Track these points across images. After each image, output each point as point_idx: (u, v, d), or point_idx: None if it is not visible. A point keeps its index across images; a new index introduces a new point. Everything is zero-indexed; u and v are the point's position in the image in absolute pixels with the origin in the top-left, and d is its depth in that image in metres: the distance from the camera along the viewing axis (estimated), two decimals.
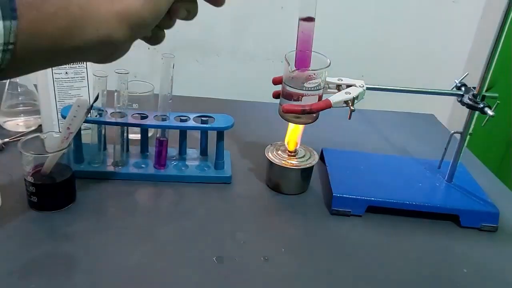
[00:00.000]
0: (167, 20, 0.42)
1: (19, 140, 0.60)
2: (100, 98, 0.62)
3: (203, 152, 0.70)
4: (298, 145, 0.67)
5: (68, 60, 0.40)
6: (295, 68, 0.57)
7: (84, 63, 0.67)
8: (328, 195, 0.65)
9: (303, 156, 0.67)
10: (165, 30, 0.44)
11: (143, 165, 0.67)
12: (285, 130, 0.66)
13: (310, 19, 0.55)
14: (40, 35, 0.34)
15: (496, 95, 0.61)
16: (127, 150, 0.69)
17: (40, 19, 0.33)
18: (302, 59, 0.57)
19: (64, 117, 0.58)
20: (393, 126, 0.95)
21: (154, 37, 0.44)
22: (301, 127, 0.65)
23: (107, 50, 0.39)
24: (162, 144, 0.66)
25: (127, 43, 0.40)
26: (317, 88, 0.58)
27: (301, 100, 0.58)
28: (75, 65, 0.66)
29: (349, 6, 1.13)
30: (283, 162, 0.65)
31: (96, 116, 0.63)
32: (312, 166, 0.66)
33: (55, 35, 0.34)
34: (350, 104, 0.59)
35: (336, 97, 0.59)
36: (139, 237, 0.55)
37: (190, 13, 0.44)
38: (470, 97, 0.61)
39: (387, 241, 0.59)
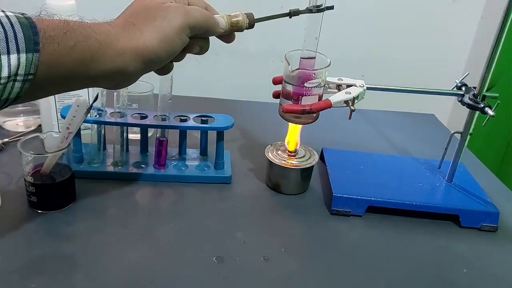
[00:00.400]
0: (180, 54, 0.44)
1: (18, 140, 0.60)
2: (100, 98, 0.62)
3: (203, 152, 0.70)
4: (298, 145, 0.67)
5: (81, 87, 0.42)
6: (295, 68, 0.57)
7: None
8: (328, 195, 0.65)
9: (303, 156, 0.67)
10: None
11: (143, 165, 0.67)
12: (285, 130, 0.66)
13: (310, 57, 0.58)
14: (59, 66, 0.35)
15: (497, 95, 0.61)
16: (127, 150, 0.69)
17: (60, 52, 0.35)
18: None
19: (63, 117, 0.58)
20: (393, 126, 0.95)
21: (164, 68, 0.46)
22: (300, 127, 0.65)
23: (119, 80, 0.41)
24: (162, 144, 0.66)
25: (138, 74, 0.42)
26: (317, 88, 0.58)
27: (301, 100, 0.58)
28: None
29: (349, 5, 1.13)
30: (283, 162, 0.65)
31: (95, 116, 0.63)
32: (312, 166, 0.66)
33: (72, 66, 0.36)
34: (350, 104, 0.59)
35: (336, 97, 0.59)
36: (139, 237, 0.55)
37: (202, 49, 0.47)
38: (470, 97, 0.61)
39: (387, 241, 0.59)
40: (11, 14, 0.33)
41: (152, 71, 0.45)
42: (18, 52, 0.32)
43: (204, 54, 0.48)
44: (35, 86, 0.35)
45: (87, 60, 0.37)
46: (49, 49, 0.34)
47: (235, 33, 0.49)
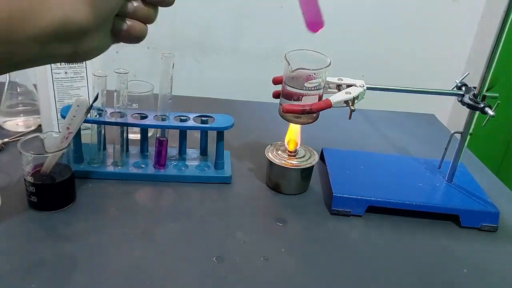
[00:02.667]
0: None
1: (18, 140, 0.60)
2: (100, 98, 0.62)
3: (203, 152, 0.70)
4: (298, 145, 0.67)
5: (28, 58, 0.34)
6: (295, 68, 0.57)
7: (84, 62, 0.67)
8: (328, 195, 0.65)
9: (303, 156, 0.67)
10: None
11: (143, 165, 0.67)
12: (285, 130, 0.66)
13: None
14: None
15: (497, 95, 0.61)
16: (127, 150, 0.69)
17: None
18: (310, 11, 0.48)
19: (63, 117, 0.58)
20: (393, 126, 0.95)
21: (122, 30, 0.38)
22: (300, 127, 0.65)
23: (68, 39, 0.34)
24: (162, 144, 0.66)
25: (90, 26, 0.35)
26: (317, 88, 0.58)
27: (301, 100, 0.58)
28: (74, 65, 0.66)
29: (349, 5, 1.13)
30: (283, 162, 0.65)
31: (95, 116, 0.63)
32: (312, 166, 0.66)
33: (2, 24, 0.30)
34: (350, 104, 0.59)
35: (336, 97, 0.59)
36: (139, 237, 0.55)
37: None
38: (470, 97, 0.61)
39: (387, 241, 0.59)
40: None
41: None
42: None
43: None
44: None
45: (19, 13, 0.31)
46: None
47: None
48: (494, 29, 0.58)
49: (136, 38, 0.39)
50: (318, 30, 0.46)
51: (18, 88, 0.76)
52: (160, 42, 1.12)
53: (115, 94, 0.63)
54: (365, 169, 0.70)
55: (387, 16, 1.16)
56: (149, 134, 0.74)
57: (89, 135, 0.66)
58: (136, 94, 0.72)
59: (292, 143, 0.66)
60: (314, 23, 0.47)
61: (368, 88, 0.61)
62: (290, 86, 0.58)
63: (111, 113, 0.64)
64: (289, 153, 0.67)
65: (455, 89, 0.64)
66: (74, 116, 0.55)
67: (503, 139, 1.26)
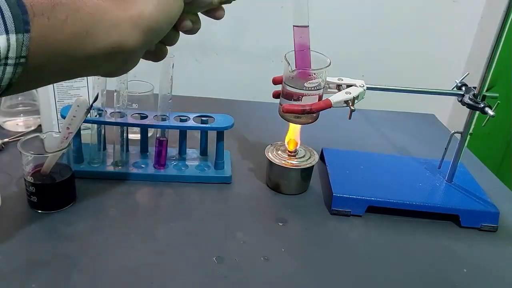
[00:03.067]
0: (173, 33, 0.42)
1: (18, 140, 0.60)
2: (100, 98, 0.62)
3: (203, 152, 0.70)
4: (298, 145, 0.67)
5: (79, 72, 0.38)
6: (295, 68, 0.57)
7: None
8: (328, 195, 0.65)
9: (303, 156, 0.67)
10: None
11: (143, 165, 0.67)
12: (285, 130, 0.66)
13: (304, 27, 0.56)
14: (51, 44, 0.33)
15: (497, 95, 0.61)
16: (127, 150, 0.69)
17: (51, 27, 0.32)
18: (302, 59, 0.56)
19: (63, 117, 0.58)
20: (393, 126, 0.95)
21: (159, 52, 0.44)
22: (300, 127, 0.65)
23: (118, 59, 0.38)
24: (162, 144, 0.66)
25: (138, 50, 0.39)
26: (317, 88, 0.58)
27: (301, 100, 0.58)
28: None
29: (349, 5, 1.13)
30: (283, 162, 0.65)
31: (95, 116, 0.63)
32: (312, 166, 0.66)
33: (66, 43, 0.33)
34: (350, 104, 0.59)
35: (336, 97, 0.59)
36: (139, 237, 0.55)
37: (195, 25, 0.44)
38: (470, 97, 0.61)
39: (387, 241, 0.59)
40: None
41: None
42: (7, 32, 0.30)
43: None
44: (28, 70, 0.32)
45: (81, 35, 0.34)
46: (39, 25, 0.31)
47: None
48: (494, 29, 0.58)
49: (161, 59, 0.45)
50: (304, 76, 0.57)
51: None
52: None
53: (115, 94, 0.63)
54: (365, 169, 0.70)
55: (387, 16, 1.16)
56: (149, 134, 0.74)
57: (89, 135, 0.66)
58: (136, 94, 0.72)
59: (292, 143, 0.66)
60: (304, 72, 0.56)
61: (368, 88, 0.61)
62: (290, 86, 0.58)
63: (111, 113, 0.64)
64: (289, 153, 0.67)
65: (455, 89, 0.64)
66: (74, 116, 0.55)
67: (503, 139, 1.26)
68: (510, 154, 1.26)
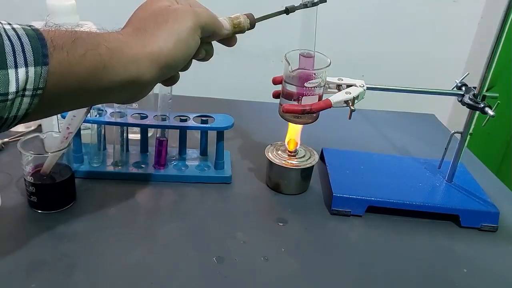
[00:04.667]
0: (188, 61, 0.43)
1: (18, 140, 0.60)
2: None
3: (203, 152, 0.70)
4: (298, 145, 0.67)
5: (94, 102, 0.39)
6: (297, 68, 0.57)
7: None
8: (328, 195, 0.65)
9: (303, 156, 0.67)
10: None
11: (143, 165, 0.67)
12: (285, 130, 0.66)
13: (309, 56, 0.57)
14: (69, 77, 0.33)
15: (497, 95, 0.61)
16: (127, 150, 0.69)
17: (70, 61, 0.33)
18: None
19: (63, 117, 0.58)
20: (393, 126, 0.95)
21: (171, 78, 0.45)
22: (300, 127, 0.65)
23: (133, 90, 0.39)
24: (162, 144, 0.66)
25: (153, 83, 0.40)
26: (317, 88, 0.58)
27: (301, 100, 0.58)
28: None
29: (349, 5, 1.13)
30: (283, 162, 0.65)
31: (95, 116, 0.63)
32: (312, 166, 0.66)
33: (83, 76, 0.34)
34: (350, 104, 0.59)
35: (336, 97, 0.59)
36: (139, 237, 0.55)
37: (208, 54, 0.46)
38: (470, 97, 0.61)
39: (387, 241, 0.59)
40: (18, 26, 0.31)
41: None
42: (26, 65, 0.31)
43: None
44: (44, 101, 0.33)
45: (99, 69, 0.35)
46: (58, 58, 0.32)
47: (236, 36, 0.49)
48: (494, 29, 0.58)
49: (173, 84, 0.47)
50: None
51: None
52: None
53: None
54: (365, 169, 0.70)
55: (387, 16, 1.16)
56: (149, 134, 0.74)
57: (89, 135, 0.66)
58: None
59: (292, 143, 0.66)
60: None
61: (368, 88, 0.61)
62: (290, 86, 0.58)
63: (111, 113, 0.64)
64: (289, 153, 0.67)
65: (455, 89, 0.64)
66: (74, 116, 0.55)
67: (503, 139, 1.26)
68: (510, 154, 1.26)
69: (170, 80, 0.45)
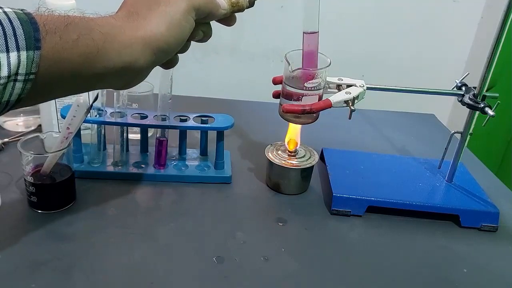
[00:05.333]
0: (185, 43, 0.43)
1: (18, 140, 0.60)
2: (100, 98, 0.62)
3: (203, 152, 0.70)
4: (298, 145, 0.67)
5: (88, 88, 0.39)
6: (299, 68, 0.57)
7: None
8: (328, 195, 0.65)
9: (303, 156, 0.67)
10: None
11: (143, 165, 0.67)
12: (285, 130, 0.66)
13: (314, 33, 0.56)
14: (62, 62, 0.33)
15: (497, 95, 0.61)
16: (127, 150, 0.69)
17: (63, 46, 0.33)
18: (309, 63, 0.57)
19: (63, 117, 0.58)
20: (393, 126, 0.95)
21: (171, 61, 0.44)
22: (300, 127, 0.65)
23: (128, 76, 0.39)
24: (162, 144, 0.66)
25: (148, 69, 0.40)
26: (317, 88, 0.58)
27: (301, 100, 0.58)
28: None
29: (349, 5, 1.13)
30: (283, 162, 0.65)
31: (95, 116, 0.63)
32: (312, 166, 0.66)
33: (76, 62, 0.34)
34: (350, 104, 0.59)
35: (336, 97, 0.59)
36: (139, 237, 0.55)
37: (206, 35, 0.45)
38: (470, 97, 0.61)
39: (387, 241, 0.59)
40: (10, 10, 0.31)
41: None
42: (18, 49, 0.30)
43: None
44: (37, 86, 0.32)
45: (92, 54, 0.34)
46: (50, 43, 0.32)
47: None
48: (494, 29, 0.58)
49: (172, 67, 0.46)
50: (305, 76, 0.57)
51: None
52: None
53: (115, 94, 0.63)
54: (365, 169, 0.70)
55: (387, 16, 1.16)
56: (149, 134, 0.74)
57: (89, 135, 0.66)
58: (136, 94, 0.72)
59: (292, 143, 0.66)
60: (304, 72, 0.56)
61: (368, 88, 0.61)
62: (290, 86, 0.58)
63: (111, 113, 0.64)
64: (289, 153, 0.67)
65: (455, 89, 0.64)
66: (74, 116, 0.55)
67: (503, 139, 1.26)
68: (510, 154, 1.26)
69: (168, 63, 0.44)
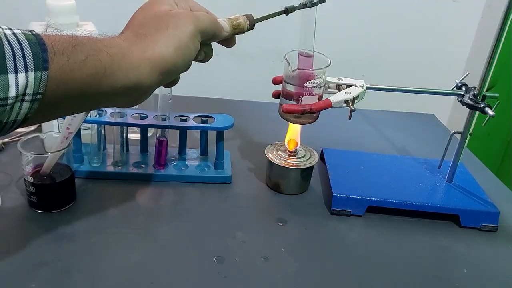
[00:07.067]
0: None
1: (18, 140, 0.60)
2: None
3: (203, 152, 0.70)
4: (298, 145, 0.67)
5: (94, 107, 0.40)
6: (295, 68, 0.57)
7: None
8: (328, 195, 0.65)
9: (303, 156, 0.67)
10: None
11: (143, 165, 0.67)
12: (285, 130, 0.66)
13: (309, 55, 0.57)
14: (69, 82, 0.33)
15: (497, 95, 0.61)
16: (127, 150, 0.69)
17: (70, 67, 0.33)
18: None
19: (63, 117, 0.58)
20: (393, 126, 0.95)
21: (172, 81, 0.45)
22: (300, 127, 0.65)
23: (134, 96, 0.39)
24: (162, 144, 0.66)
25: (153, 88, 0.40)
26: (317, 88, 0.58)
27: (301, 100, 0.58)
28: None
29: (349, 5, 1.13)
30: (283, 162, 0.65)
31: (95, 116, 0.63)
32: (312, 166, 0.66)
33: (84, 82, 0.34)
34: (350, 104, 0.59)
35: (336, 97, 0.59)
36: (139, 237, 0.55)
37: (207, 56, 0.46)
38: (470, 97, 0.61)
39: (387, 241, 0.59)
40: (19, 31, 0.31)
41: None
42: (26, 70, 0.31)
43: None
44: (44, 106, 0.33)
45: (99, 75, 0.34)
46: (58, 63, 0.32)
47: (236, 36, 0.49)
48: (494, 29, 0.58)
49: (173, 85, 0.47)
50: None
51: None
52: None
53: None
54: (365, 169, 0.70)
55: (387, 16, 1.16)
56: (149, 134, 0.74)
57: (89, 135, 0.66)
58: None
59: (292, 143, 0.66)
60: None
61: (368, 88, 0.61)
62: (290, 86, 0.58)
63: (111, 113, 0.64)
64: (289, 153, 0.67)
65: (455, 89, 0.64)
66: (74, 116, 0.55)
67: (503, 139, 1.26)
68: (510, 154, 1.26)
69: (170, 82, 0.45)
